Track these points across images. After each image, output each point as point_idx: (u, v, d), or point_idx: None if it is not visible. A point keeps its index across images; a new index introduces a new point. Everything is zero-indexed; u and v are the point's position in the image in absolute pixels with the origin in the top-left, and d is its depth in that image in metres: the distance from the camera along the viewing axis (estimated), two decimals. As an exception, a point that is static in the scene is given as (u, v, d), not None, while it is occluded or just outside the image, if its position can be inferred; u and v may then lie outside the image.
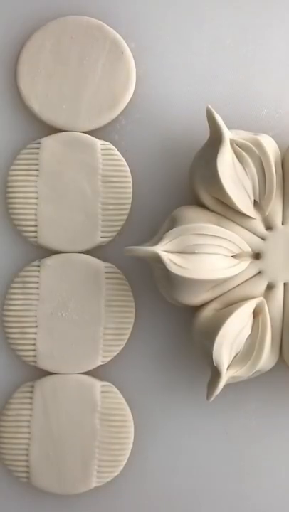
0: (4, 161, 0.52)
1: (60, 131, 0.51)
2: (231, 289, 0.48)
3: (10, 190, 0.51)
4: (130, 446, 0.51)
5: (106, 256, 0.52)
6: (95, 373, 0.51)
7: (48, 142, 0.51)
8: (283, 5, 0.52)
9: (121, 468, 0.51)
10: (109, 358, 0.51)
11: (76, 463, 0.50)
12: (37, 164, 0.51)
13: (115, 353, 0.51)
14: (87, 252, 0.51)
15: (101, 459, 0.50)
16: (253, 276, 0.48)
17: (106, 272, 0.51)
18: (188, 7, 0.52)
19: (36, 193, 0.51)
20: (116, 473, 0.51)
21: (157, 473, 0.52)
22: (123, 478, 0.51)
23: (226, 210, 0.48)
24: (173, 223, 0.48)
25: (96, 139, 0.51)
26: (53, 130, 0.52)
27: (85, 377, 0.51)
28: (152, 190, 0.52)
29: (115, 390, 0.51)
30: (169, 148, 0.52)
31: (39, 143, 0.51)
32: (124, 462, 0.51)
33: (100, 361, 0.51)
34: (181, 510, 0.52)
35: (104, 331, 0.51)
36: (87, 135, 0.51)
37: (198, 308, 0.49)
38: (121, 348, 0.51)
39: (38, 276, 0.51)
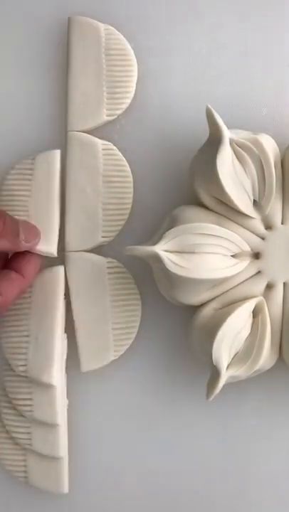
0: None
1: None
2: (231, 288, 0.48)
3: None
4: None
5: (107, 255, 0.52)
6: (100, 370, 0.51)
7: None
8: (283, 5, 0.52)
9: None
10: (120, 353, 0.51)
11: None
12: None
13: (126, 347, 0.51)
14: (89, 251, 0.51)
15: None
16: (252, 276, 0.48)
17: (108, 267, 0.51)
18: (188, 7, 0.52)
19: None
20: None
21: (157, 471, 0.52)
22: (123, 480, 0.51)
23: (226, 209, 0.48)
24: (173, 223, 0.48)
25: (98, 139, 0.51)
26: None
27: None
28: (152, 189, 0.52)
29: None
30: (169, 148, 0.52)
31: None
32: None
33: (112, 356, 0.51)
34: (180, 508, 0.52)
35: (113, 326, 0.51)
36: (89, 135, 0.51)
37: (197, 307, 0.49)
38: (131, 341, 0.51)
39: None
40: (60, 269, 0.51)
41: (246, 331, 0.47)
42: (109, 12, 0.52)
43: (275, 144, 0.49)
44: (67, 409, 0.51)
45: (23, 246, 0.49)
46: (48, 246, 0.50)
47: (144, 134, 0.52)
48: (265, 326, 0.47)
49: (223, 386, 0.46)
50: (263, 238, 0.48)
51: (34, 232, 0.49)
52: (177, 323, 0.52)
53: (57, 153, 0.51)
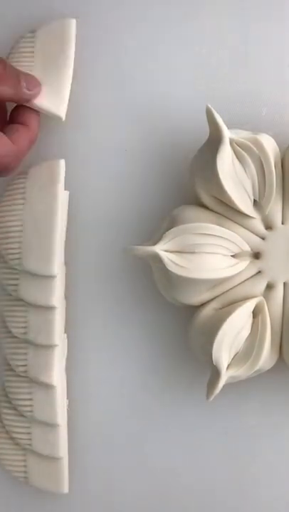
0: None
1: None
2: (231, 288, 0.48)
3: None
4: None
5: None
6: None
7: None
8: (283, 5, 0.52)
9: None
10: None
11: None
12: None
13: None
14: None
15: None
16: (252, 276, 0.48)
17: None
18: (188, 7, 0.52)
19: None
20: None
21: (157, 471, 0.52)
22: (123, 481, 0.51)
23: (226, 209, 0.48)
24: (173, 223, 0.48)
25: None
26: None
27: None
28: (152, 189, 0.52)
29: None
30: (169, 148, 0.52)
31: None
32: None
33: None
34: (181, 508, 0.52)
35: None
36: None
37: (197, 307, 0.49)
38: None
39: None
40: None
41: (246, 331, 0.47)
42: (106, 13, 0.52)
43: (275, 144, 0.49)
44: (67, 409, 0.51)
45: (25, 93, 0.48)
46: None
47: (144, 134, 0.52)
48: (265, 326, 0.47)
49: (223, 386, 0.46)
50: (263, 238, 0.48)
51: (35, 82, 0.49)
52: (177, 323, 0.52)
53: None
